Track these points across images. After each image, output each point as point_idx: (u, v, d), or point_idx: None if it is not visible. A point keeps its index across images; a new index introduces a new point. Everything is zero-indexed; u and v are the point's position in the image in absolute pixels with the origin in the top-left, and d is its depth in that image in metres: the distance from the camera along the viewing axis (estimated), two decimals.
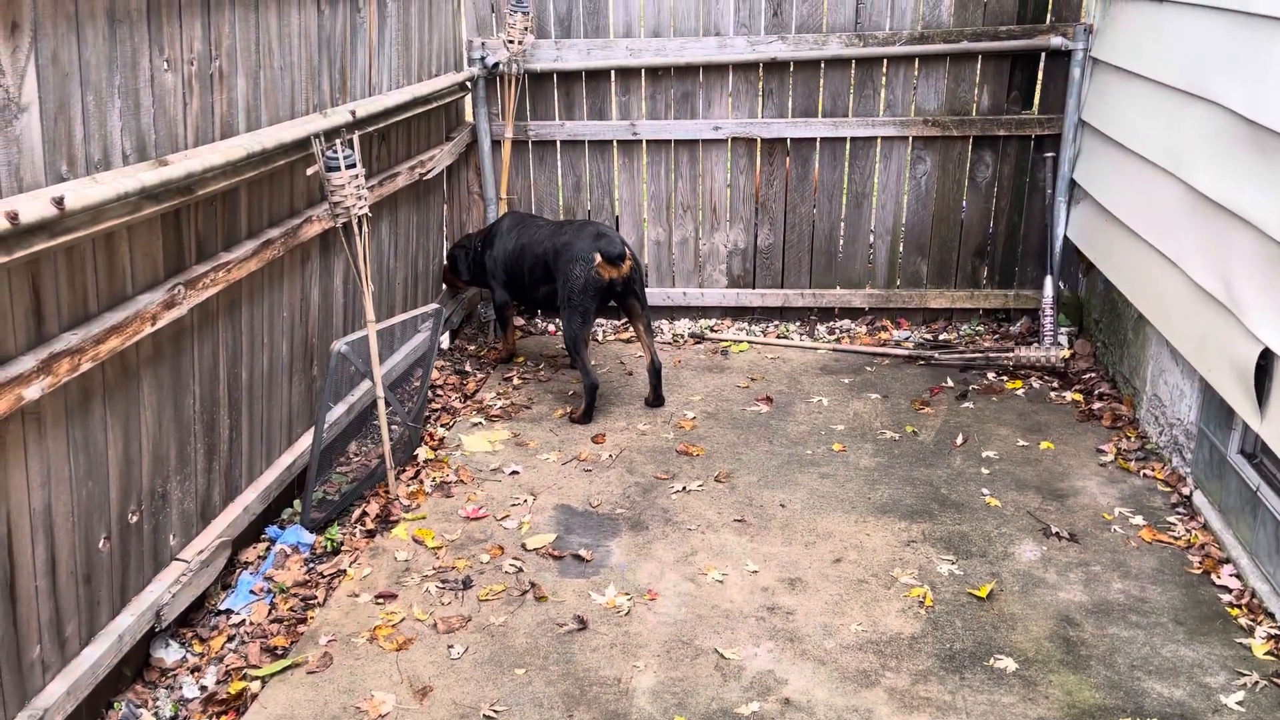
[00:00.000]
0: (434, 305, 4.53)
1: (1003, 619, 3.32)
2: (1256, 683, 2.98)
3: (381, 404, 3.97)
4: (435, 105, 5.09)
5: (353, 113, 3.86)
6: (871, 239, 5.86)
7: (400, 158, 4.90)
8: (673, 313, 6.04)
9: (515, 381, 5.30)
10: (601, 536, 3.85)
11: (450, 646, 3.23)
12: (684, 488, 4.20)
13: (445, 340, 5.70)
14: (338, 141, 3.61)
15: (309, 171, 3.58)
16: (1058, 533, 3.80)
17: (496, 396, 5.10)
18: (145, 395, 3.01)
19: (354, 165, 3.59)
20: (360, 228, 3.74)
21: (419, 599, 3.48)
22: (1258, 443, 3.52)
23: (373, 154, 4.56)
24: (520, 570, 3.64)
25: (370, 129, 4.28)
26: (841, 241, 5.87)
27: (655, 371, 4.91)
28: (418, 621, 3.36)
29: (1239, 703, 2.91)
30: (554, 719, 2.92)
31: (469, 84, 5.60)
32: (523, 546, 3.79)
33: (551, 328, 6.06)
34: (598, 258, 4.62)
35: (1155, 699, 2.94)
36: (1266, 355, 3.18)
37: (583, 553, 3.73)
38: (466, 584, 3.56)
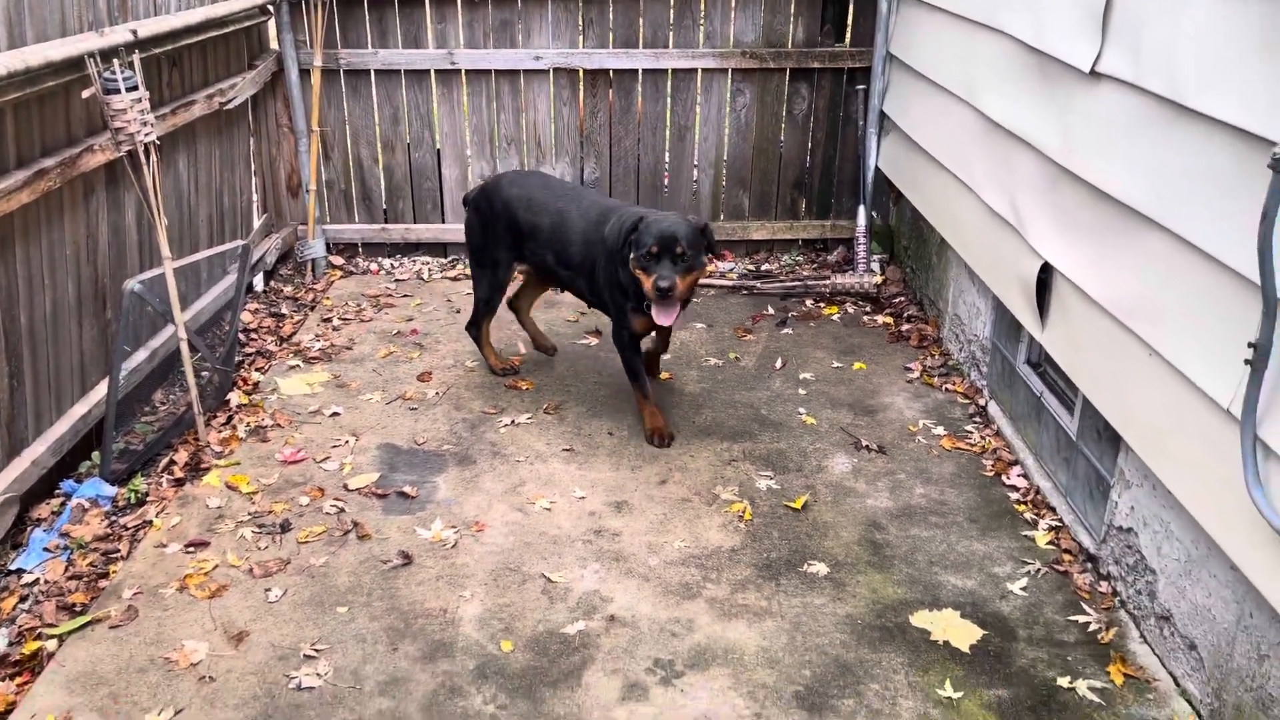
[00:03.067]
0: (240, 242, 4.29)
1: (816, 527, 3.49)
2: (1038, 569, 3.25)
3: (185, 346, 3.75)
4: (233, 29, 4.77)
5: (134, 32, 3.56)
6: (695, 173, 5.93)
7: (196, 85, 4.58)
8: None
9: (335, 323, 5.12)
10: (427, 473, 3.80)
11: (268, 590, 3.12)
12: (513, 421, 4.18)
13: (260, 281, 5.43)
14: (116, 62, 3.33)
15: (84, 94, 3.29)
16: (868, 446, 4.00)
17: (315, 339, 4.91)
18: None
19: (136, 88, 3.33)
20: (149, 157, 3.48)
21: (233, 545, 3.34)
22: (1041, 353, 3.80)
23: (163, 80, 4.23)
24: (342, 511, 3.55)
25: (157, 51, 3.97)
26: (667, 175, 5.91)
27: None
28: (232, 568, 3.23)
29: (1023, 588, 3.17)
30: (378, 653, 2.88)
31: (270, 7, 5.27)
32: (345, 487, 3.69)
33: (374, 267, 5.87)
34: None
35: (950, 590, 3.17)
36: (1046, 269, 3.43)
37: (408, 490, 3.67)
38: (285, 527, 3.44)
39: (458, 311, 5.28)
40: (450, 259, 5.96)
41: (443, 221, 5.88)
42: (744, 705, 2.71)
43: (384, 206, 5.88)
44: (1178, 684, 2.75)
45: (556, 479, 3.77)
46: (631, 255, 3.69)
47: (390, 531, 3.44)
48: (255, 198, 5.60)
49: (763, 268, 5.91)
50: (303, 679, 2.77)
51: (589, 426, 4.15)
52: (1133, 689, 2.76)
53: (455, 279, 5.73)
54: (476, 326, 4.50)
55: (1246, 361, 2.22)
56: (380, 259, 5.92)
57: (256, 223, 5.52)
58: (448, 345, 4.88)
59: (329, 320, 5.14)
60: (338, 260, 5.86)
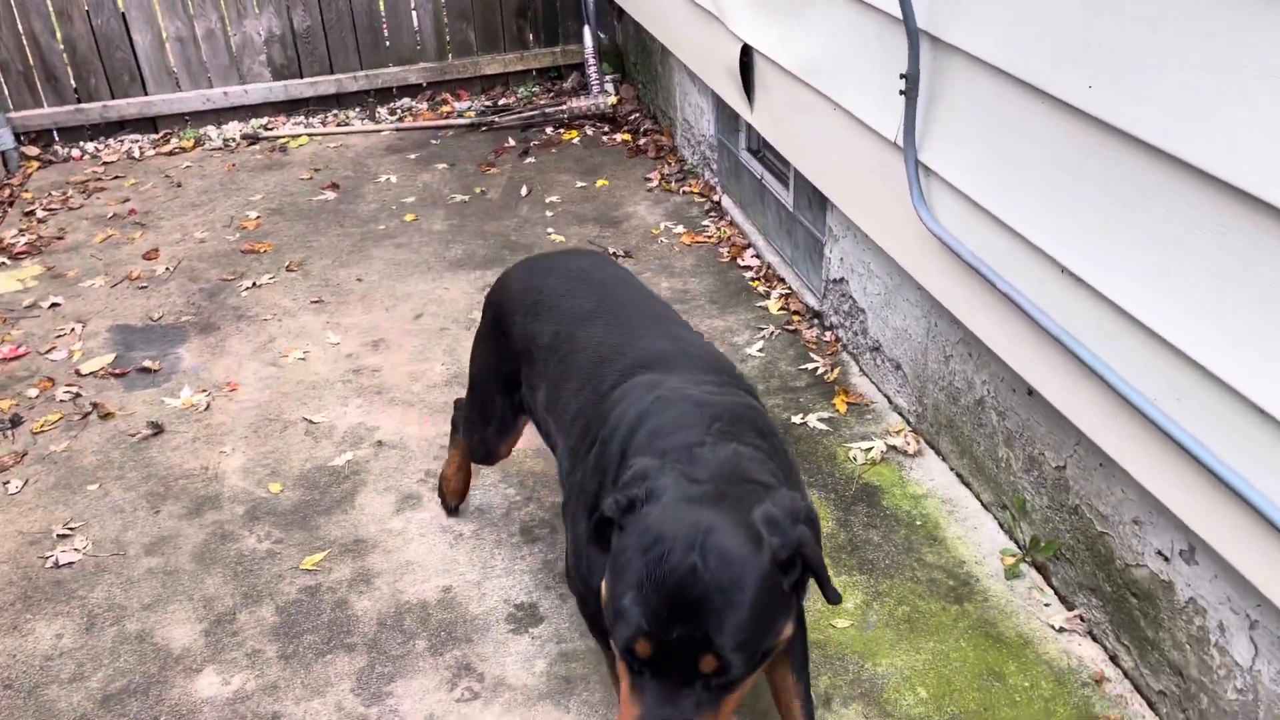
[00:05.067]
0: None
1: None
2: (773, 332, 3.55)
3: None
4: None
5: None
6: (414, 9, 5.69)
7: None
8: (218, 116, 5.56)
9: (40, 214, 4.69)
10: (168, 346, 3.64)
11: (6, 484, 2.96)
12: (254, 283, 4.03)
13: None
14: None
15: None
16: (615, 252, 4.15)
17: (20, 233, 4.49)
18: None
19: None
20: None
21: None
22: (759, 139, 4.02)
23: None
24: (78, 395, 3.36)
25: None
26: (384, 15, 5.65)
27: None
28: None
29: (760, 350, 3.45)
30: (139, 519, 2.81)
31: None
32: (77, 373, 3.48)
33: (76, 153, 5.36)
34: None
35: None
36: (747, 51, 3.59)
37: (149, 364, 3.51)
38: (15, 421, 3.23)
39: (178, 185, 4.94)
40: (162, 133, 5.52)
41: (145, 93, 5.40)
42: (515, 493, 2.86)
43: (73, 85, 5.33)
44: (890, 401, 3.12)
45: (308, 330, 3.71)
46: (608, 614, 1.42)
47: (135, 407, 3.30)
48: None
49: (500, 102, 5.84)
50: (59, 556, 2.68)
51: (336, 277, 4.07)
52: (854, 413, 3.11)
53: (171, 153, 5.34)
54: (456, 432, 2.67)
55: (901, 93, 2.46)
56: (81, 143, 5.40)
57: None
58: (173, 220, 4.59)
59: (31, 213, 4.69)
60: (32, 150, 5.30)
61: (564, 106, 5.52)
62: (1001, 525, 2.61)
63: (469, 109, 5.77)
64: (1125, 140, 1.82)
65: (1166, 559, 2.01)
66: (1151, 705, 2.10)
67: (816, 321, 3.56)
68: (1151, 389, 1.86)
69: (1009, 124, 2.15)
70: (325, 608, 2.50)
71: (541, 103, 5.74)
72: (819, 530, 1.44)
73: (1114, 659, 2.22)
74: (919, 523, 2.66)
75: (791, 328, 3.56)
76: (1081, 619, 2.30)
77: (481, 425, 2.40)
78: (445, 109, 5.78)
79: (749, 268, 3.97)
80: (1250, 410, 1.65)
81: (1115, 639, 2.21)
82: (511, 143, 5.31)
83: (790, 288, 3.77)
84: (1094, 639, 2.27)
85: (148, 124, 5.50)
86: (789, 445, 1.74)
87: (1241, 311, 1.63)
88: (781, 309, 3.68)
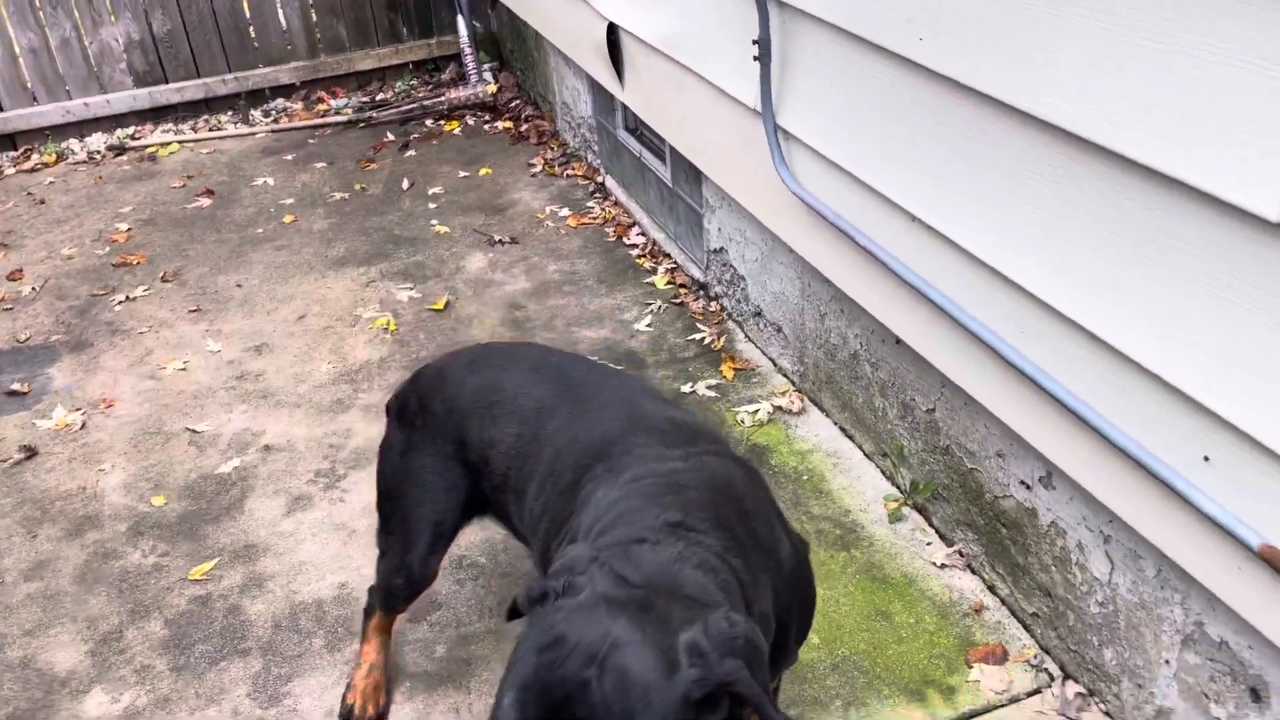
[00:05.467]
0: None
1: (461, 321, 3.61)
2: (660, 307, 3.59)
3: None
4: None
5: None
6: (280, 7, 5.56)
7: None
8: (80, 128, 5.35)
9: None
10: (38, 367, 3.50)
11: None
12: (128, 296, 3.90)
13: None
14: None
15: None
16: (501, 240, 4.14)
17: None
18: None
19: None
20: None
21: None
22: (634, 117, 4.04)
23: None
24: None
25: None
26: (248, 13, 5.50)
27: None
28: None
29: (648, 325, 3.49)
30: (15, 545, 2.71)
31: None
32: None
33: None
34: None
35: (587, 341, 3.43)
36: (614, 29, 3.61)
37: (17, 387, 3.37)
38: None
39: (42, 202, 4.75)
40: (22, 149, 5.28)
41: (0, 110, 5.16)
42: None
43: None
44: (774, 363, 3.19)
45: (187, 340, 3.61)
46: None
47: (5, 431, 3.17)
48: None
49: (378, 97, 5.75)
50: None
51: (215, 284, 3.97)
52: (741, 378, 3.17)
53: (33, 170, 5.12)
54: (368, 615, 2.21)
55: (755, 59, 2.51)
56: None
57: None
58: (37, 238, 4.40)
59: None
60: None
61: (443, 98, 5.46)
62: (883, 472, 2.70)
63: (346, 106, 5.67)
64: (954, 88, 1.90)
65: (1029, 487, 2.11)
66: (1026, 627, 2.21)
67: (702, 293, 3.62)
68: (1001, 327, 1.95)
69: (854, 82, 2.22)
70: (217, 616, 2.45)
71: (420, 96, 5.67)
72: (762, 656, 1.21)
73: (991, 588, 2.32)
74: (806, 477, 2.74)
75: (678, 301, 3.61)
76: (960, 554, 2.40)
77: (405, 551, 1.99)
78: (321, 108, 5.67)
79: (635, 245, 4.00)
80: (1088, 340, 1.74)
81: (991, 569, 2.31)
82: (391, 137, 5.24)
83: (676, 262, 3.81)
84: (972, 571, 2.37)
85: (5, 140, 5.26)
86: (780, 530, 1.57)
87: (1070, 246, 1.72)
88: (668, 283, 3.72)
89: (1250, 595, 1.55)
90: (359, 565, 2.56)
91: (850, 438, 2.83)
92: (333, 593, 2.49)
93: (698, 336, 3.39)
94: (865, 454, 2.77)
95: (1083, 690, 2.04)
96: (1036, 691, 2.09)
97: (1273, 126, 1.32)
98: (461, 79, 5.79)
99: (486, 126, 5.30)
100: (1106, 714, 2.00)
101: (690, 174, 3.48)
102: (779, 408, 3.00)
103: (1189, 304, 1.52)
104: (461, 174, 4.77)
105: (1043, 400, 1.89)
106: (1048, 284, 1.79)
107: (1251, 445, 1.47)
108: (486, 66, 5.64)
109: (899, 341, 2.44)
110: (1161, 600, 1.80)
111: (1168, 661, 1.81)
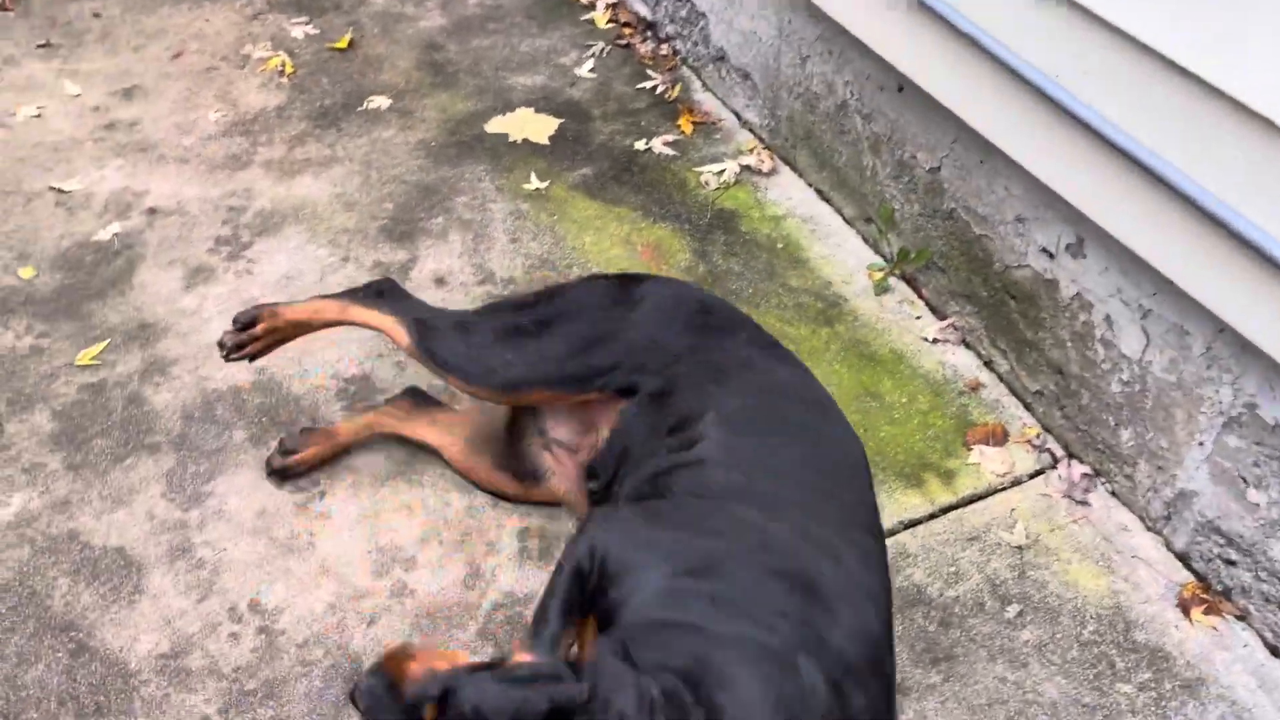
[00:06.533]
0: None
1: (369, 63, 3.11)
2: (603, 49, 3.14)
3: None
4: None
5: None
6: None
7: None
8: None
9: None
10: None
11: None
12: None
13: None
14: None
15: None
16: None
17: None
18: None
19: None
20: None
21: None
22: None
23: None
24: None
25: None
26: None
27: None
28: None
29: (590, 71, 3.06)
30: None
31: None
32: None
33: None
34: None
35: (521, 90, 2.99)
36: None
37: None
38: None
39: None
40: None
41: None
42: (328, 254, 2.47)
43: None
44: (739, 117, 2.84)
45: (39, 80, 3.02)
46: None
47: None
48: None
49: None
50: None
51: (65, 13, 3.31)
52: (701, 134, 2.82)
53: None
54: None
55: None
56: None
57: None
58: None
59: None
60: None
61: None
62: (866, 239, 2.45)
63: None
64: None
65: (1051, 255, 1.89)
66: (1028, 406, 2.06)
67: (651, 34, 3.17)
68: (1053, 64, 1.65)
69: None
70: (115, 406, 2.12)
71: None
72: None
73: (989, 364, 2.15)
74: (780, 246, 2.47)
75: (624, 42, 3.16)
76: (955, 328, 2.21)
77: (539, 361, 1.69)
78: None
79: None
80: (1168, 73, 1.46)
81: (990, 344, 2.13)
82: None
83: None
84: (968, 346, 2.19)
85: None
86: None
87: None
88: (610, 22, 3.25)
89: None
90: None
91: (828, 201, 2.55)
92: (251, 379, 2.17)
93: (648, 85, 2.99)
94: (845, 219, 2.50)
95: (1088, 470, 1.92)
96: (1039, 473, 1.97)
97: None
98: None
99: None
100: (1113, 493, 1.90)
101: None
102: (746, 167, 2.68)
103: None
104: None
105: (1094, 146, 1.62)
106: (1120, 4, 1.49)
107: None
108: None
109: (902, 88, 2.12)
110: (1205, 380, 1.64)
111: (1201, 444, 1.67)
